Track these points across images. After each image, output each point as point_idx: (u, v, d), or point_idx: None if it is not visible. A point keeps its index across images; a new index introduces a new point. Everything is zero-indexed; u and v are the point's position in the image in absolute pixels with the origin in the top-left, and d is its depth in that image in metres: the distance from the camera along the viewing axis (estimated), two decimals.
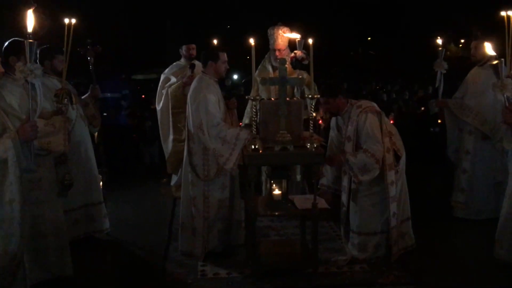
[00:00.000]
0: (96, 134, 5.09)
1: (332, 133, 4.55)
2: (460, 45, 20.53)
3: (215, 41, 6.02)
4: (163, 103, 6.06)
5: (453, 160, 5.49)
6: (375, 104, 4.33)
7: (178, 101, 5.90)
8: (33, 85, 2.85)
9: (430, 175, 6.95)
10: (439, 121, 6.01)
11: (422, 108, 9.41)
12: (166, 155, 6.22)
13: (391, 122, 9.19)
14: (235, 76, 19.31)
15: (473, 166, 5.24)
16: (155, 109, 8.86)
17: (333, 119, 4.49)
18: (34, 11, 2.74)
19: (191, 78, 5.90)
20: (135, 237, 5.04)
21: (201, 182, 4.29)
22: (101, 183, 4.95)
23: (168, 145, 6.13)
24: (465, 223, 5.25)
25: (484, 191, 5.23)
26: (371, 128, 4.09)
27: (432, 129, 8.68)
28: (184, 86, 5.92)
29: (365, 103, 4.31)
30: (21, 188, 2.94)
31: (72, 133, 4.47)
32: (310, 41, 3.93)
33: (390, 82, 13.42)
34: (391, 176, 4.09)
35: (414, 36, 17.38)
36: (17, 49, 3.49)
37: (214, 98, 4.15)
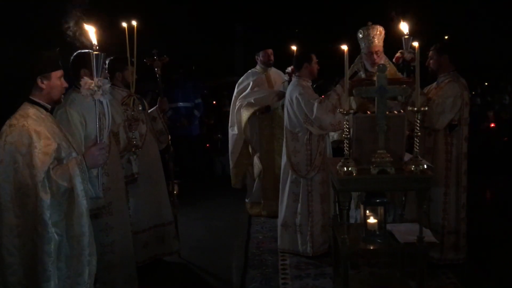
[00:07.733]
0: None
1: None
2: None
3: (293, 47, 5.48)
4: (238, 130, 5.64)
5: None
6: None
7: (251, 130, 5.59)
8: (100, 102, 2.47)
9: None
10: None
11: None
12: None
13: (492, 125, 8.20)
14: None
15: None
16: (225, 116, 8.42)
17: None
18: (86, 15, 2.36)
19: (267, 108, 5.56)
20: (207, 260, 4.65)
21: (302, 180, 4.46)
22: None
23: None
24: None
25: None
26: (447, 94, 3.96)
27: None
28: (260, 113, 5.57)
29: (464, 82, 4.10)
30: (89, 220, 2.57)
31: (142, 151, 4.16)
32: (416, 44, 3.25)
33: (476, 82, 11.69)
34: None
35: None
36: (88, 61, 3.21)
37: (309, 92, 4.33)
